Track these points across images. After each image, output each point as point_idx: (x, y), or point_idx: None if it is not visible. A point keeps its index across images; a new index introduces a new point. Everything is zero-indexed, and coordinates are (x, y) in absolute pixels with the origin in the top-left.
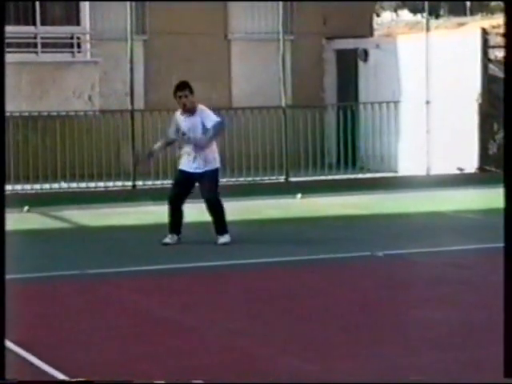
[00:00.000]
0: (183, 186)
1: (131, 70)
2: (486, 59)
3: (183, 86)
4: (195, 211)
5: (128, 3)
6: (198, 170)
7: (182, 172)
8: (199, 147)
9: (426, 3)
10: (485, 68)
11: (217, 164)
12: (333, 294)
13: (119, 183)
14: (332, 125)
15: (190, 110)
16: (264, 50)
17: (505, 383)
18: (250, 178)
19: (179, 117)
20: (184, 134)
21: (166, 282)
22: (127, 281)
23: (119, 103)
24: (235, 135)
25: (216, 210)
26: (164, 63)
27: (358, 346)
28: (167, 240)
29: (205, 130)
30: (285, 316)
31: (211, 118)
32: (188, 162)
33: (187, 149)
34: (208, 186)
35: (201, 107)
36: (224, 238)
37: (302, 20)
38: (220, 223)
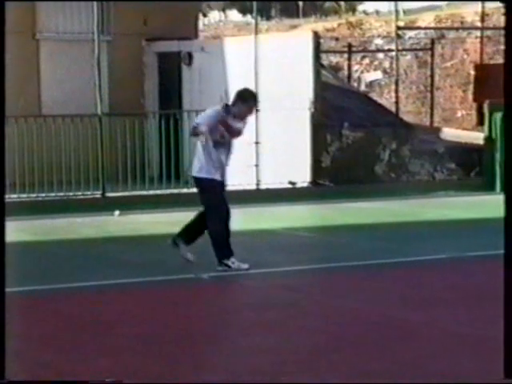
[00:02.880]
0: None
1: None
2: (318, 64)
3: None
4: None
5: None
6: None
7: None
8: None
9: (255, 3)
10: (317, 74)
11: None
12: (149, 321)
13: None
14: (153, 135)
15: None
16: (77, 52)
17: (505, 383)
18: (62, 193)
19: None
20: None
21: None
22: None
23: None
24: (45, 146)
25: None
26: None
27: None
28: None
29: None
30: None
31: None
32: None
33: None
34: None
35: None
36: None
37: (119, 19)
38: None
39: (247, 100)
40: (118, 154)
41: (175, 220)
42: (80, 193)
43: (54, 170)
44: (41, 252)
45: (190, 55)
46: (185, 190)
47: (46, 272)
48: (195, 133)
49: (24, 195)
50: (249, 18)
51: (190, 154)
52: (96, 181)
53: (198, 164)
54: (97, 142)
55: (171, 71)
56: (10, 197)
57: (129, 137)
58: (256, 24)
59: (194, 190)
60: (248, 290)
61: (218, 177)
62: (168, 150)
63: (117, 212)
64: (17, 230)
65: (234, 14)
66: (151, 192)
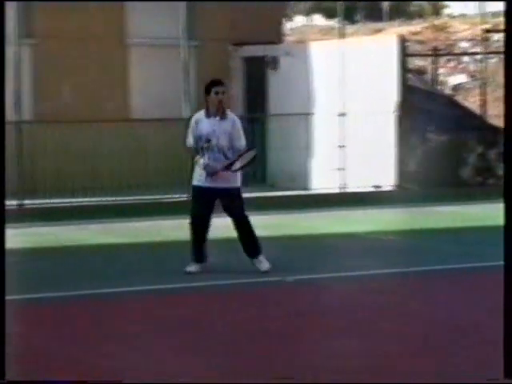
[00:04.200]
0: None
1: (17, 77)
2: (403, 68)
3: (220, 82)
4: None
5: (11, 3)
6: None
7: (198, 188)
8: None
9: (340, 7)
10: (402, 78)
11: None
12: (241, 323)
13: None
14: None
15: (223, 111)
16: (165, 57)
17: (505, 383)
18: (149, 196)
19: (202, 120)
20: (209, 140)
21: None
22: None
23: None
24: (133, 149)
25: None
26: (55, 70)
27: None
28: (191, 268)
29: (230, 142)
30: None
31: (241, 136)
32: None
33: (205, 160)
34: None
35: (232, 114)
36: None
37: (206, 25)
38: (251, 244)
39: (207, 89)
40: None
41: (258, 224)
42: (167, 195)
43: (141, 173)
44: (131, 253)
45: (275, 59)
46: (270, 194)
47: (144, 273)
48: (188, 151)
49: (112, 198)
50: (333, 22)
51: (276, 157)
52: (182, 184)
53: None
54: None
55: (257, 75)
56: (102, 199)
57: None
58: (341, 28)
59: (280, 193)
60: (334, 294)
61: (200, 183)
62: None
63: None
64: (105, 233)
65: (318, 19)
66: None
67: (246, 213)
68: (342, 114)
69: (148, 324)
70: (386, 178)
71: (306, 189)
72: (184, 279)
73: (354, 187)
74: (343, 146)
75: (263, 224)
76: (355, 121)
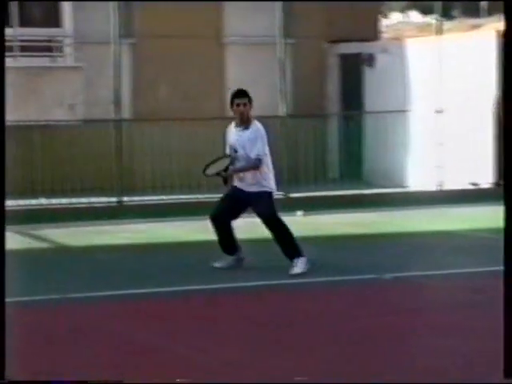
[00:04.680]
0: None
1: (117, 75)
2: (502, 64)
3: (243, 93)
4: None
5: (112, 3)
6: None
7: (234, 188)
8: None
9: (438, 3)
10: (501, 74)
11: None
12: (341, 320)
13: (104, 199)
14: (335, 136)
15: (246, 122)
16: (262, 55)
17: (505, 383)
18: None
19: (233, 131)
20: (236, 151)
21: (148, 306)
22: (111, 305)
23: (104, 112)
24: None
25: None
26: (153, 68)
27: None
28: (219, 264)
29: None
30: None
31: (258, 148)
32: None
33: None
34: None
35: (256, 123)
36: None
37: (302, 22)
38: (287, 246)
39: (230, 101)
40: (300, 155)
41: (355, 221)
42: None
43: None
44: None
45: (371, 57)
46: (366, 191)
47: (240, 270)
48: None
49: (209, 196)
50: (430, 18)
51: (372, 155)
52: (279, 181)
53: None
54: (279, 143)
55: (352, 73)
56: (198, 197)
57: (310, 138)
58: (438, 24)
59: (376, 190)
60: (431, 291)
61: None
62: (349, 151)
63: (300, 212)
64: (202, 231)
65: (414, 15)
66: (332, 193)
67: (278, 215)
68: (439, 111)
69: (257, 321)
70: (484, 176)
71: (402, 186)
72: (284, 277)
73: (451, 185)
74: (440, 144)
75: (359, 221)
76: (452, 118)
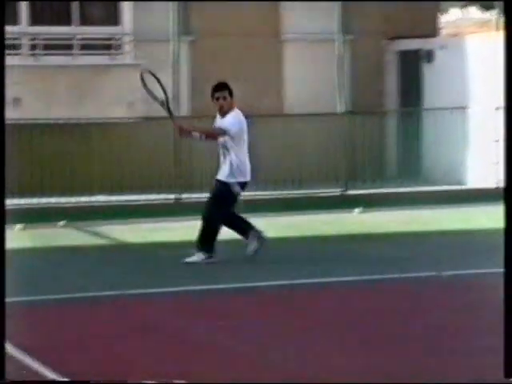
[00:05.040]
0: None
1: (176, 73)
2: None
3: (222, 87)
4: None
5: (171, 2)
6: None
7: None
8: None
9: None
10: None
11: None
12: (406, 316)
13: (162, 196)
14: (393, 133)
15: (224, 113)
16: (320, 52)
17: (505, 383)
18: (303, 191)
19: (217, 120)
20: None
21: (209, 303)
22: (169, 302)
23: (163, 110)
24: (287, 144)
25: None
26: (211, 66)
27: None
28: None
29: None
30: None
31: (229, 121)
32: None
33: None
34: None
35: (237, 111)
36: (195, 257)
37: (361, 19)
38: (204, 236)
39: (211, 93)
40: (358, 152)
41: (413, 218)
42: (321, 190)
43: (294, 168)
44: (283, 247)
45: (430, 53)
46: (424, 189)
47: (294, 267)
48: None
49: (266, 192)
50: (490, 14)
51: (431, 151)
52: (336, 179)
53: None
54: (337, 140)
55: (411, 69)
56: (257, 193)
57: (369, 135)
58: (498, 20)
59: (435, 188)
60: (485, 290)
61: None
62: (408, 148)
63: (357, 210)
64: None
65: (474, 11)
66: (390, 190)
67: (218, 209)
68: (499, 108)
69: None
70: None
71: (461, 184)
72: (349, 273)
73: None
74: (499, 141)
75: (419, 219)
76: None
